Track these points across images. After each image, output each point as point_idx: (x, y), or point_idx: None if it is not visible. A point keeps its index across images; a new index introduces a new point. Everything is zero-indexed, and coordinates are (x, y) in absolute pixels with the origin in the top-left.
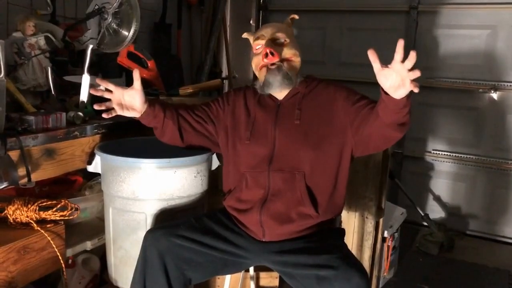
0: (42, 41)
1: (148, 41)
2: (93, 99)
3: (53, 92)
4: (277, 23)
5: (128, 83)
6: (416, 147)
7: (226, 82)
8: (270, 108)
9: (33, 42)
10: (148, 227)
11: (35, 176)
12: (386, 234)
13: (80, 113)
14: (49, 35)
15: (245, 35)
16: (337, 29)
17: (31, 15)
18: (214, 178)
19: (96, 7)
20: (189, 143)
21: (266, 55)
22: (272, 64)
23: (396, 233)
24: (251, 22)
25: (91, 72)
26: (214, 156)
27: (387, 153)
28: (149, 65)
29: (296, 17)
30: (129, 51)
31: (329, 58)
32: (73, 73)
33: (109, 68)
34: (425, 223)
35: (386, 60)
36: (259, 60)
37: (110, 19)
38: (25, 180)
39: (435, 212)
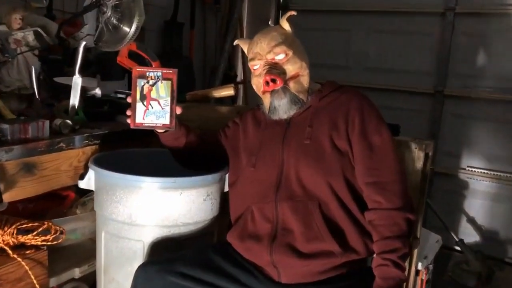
0: (30, 37)
1: (157, 40)
2: (85, 104)
3: (37, 96)
4: (273, 30)
5: (130, 86)
6: (449, 163)
7: (241, 87)
8: (279, 126)
9: (19, 37)
10: (146, 258)
11: (10, 196)
12: (420, 266)
13: (68, 121)
14: (39, 29)
15: (237, 42)
16: (363, 31)
17: (18, 7)
18: (226, 200)
19: None
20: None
21: (267, 83)
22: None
23: (430, 265)
24: (269, 22)
25: (89, 73)
26: (227, 176)
27: (426, 171)
28: (154, 66)
29: (294, 13)
30: (131, 50)
31: (354, 63)
32: (69, 73)
33: (110, 69)
34: (458, 248)
35: (416, 67)
36: (260, 84)
37: (110, 13)
38: None
39: (469, 235)
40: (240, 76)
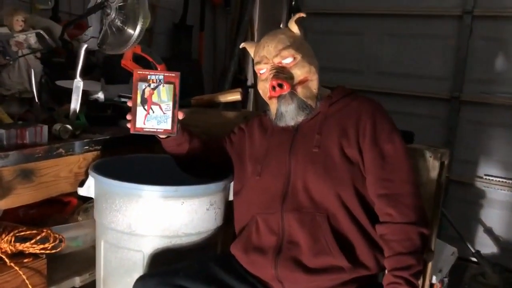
0: (32, 39)
1: (166, 43)
2: (87, 108)
3: (36, 100)
4: (281, 33)
5: None
6: (465, 171)
7: (251, 91)
8: (286, 133)
9: (21, 39)
10: (146, 269)
11: (7, 203)
12: (434, 280)
13: (68, 126)
14: (41, 32)
15: (243, 45)
16: (377, 34)
17: (20, 8)
18: (230, 209)
19: (99, 0)
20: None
21: (274, 88)
22: None
23: (446, 278)
24: (281, 25)
25: (93, 76)
26: (232, 185)
27: (442, 181)
28: (159, 70)
29: (303, 15)
30: (135, 53)
31: (367, 67)
32: (73, 77)
33: (116, 73)
34: (474, 259)
35: (432, 71)
36: (266, 89)
37: (114, 15)
38: None
39: (486, 246)
40: (250, 80)
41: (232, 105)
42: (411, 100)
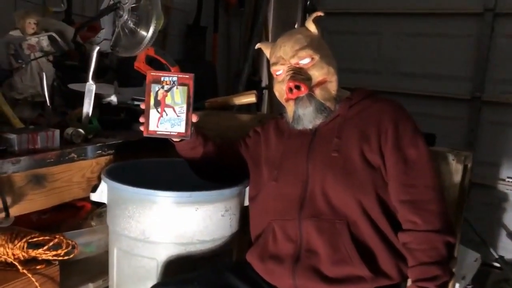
0: (45, 42)
1: (179, 45)
2: (100, 112)
3: (48, 103)
4: (297, 32)
5: None
6: (487, 174)
7: (265, 93)
8: (304, 136)
9: (33, 42)
10: (160, 277)
11: (18, 209)
12: (457, 287)
13: (80, 130)
14: (54, 34)
15: (259, 46)
16: (395, 34)
17: (32, 11)
18: (246, 215)
19: (111, 2)
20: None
21: (291, 90)
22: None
23: (469, 286)
24: (296, 25)
25: (106, 79)
26: (247, 190)
27: (465, 185)
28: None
29: (321, 14)
30: (149, 55)
31: (384, 68)
32: (86, 80)
33: (129, 75)
34: (497, 264)
35: (452, 71)
36: (283, 91)
37: (126, 17)
38: (2, 215)
39: (509, 251)
40: (264, 81)
41: (246, 107)
42: (430, 101)
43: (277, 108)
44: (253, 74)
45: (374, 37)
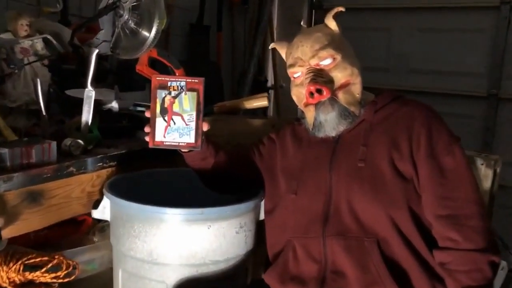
0: (39, 45)
1: (182, 45)
2: (100, 119)
3: (43, 112)
4: (317, 30)
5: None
6: (506, 175)
7: (271, 92)
8: (326, 145)
9: (27, 45)
10: None
11: (12, 231)
12: None
13: (79, 141)
14: (49, 36)
15: (273, 46)
16: (405, 30)
17: (24, 12)
18: (261, 230)
19: (110, 1)
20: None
21: (311, 95)
22: None
23: None
24: (302, 23)
25: (106, 84)
26: (263, 203)
27: (494, 192)
28: (177, 75)
29: (342, 9)
30: (151, 57)
31: (394, 64)
32: (85, 85)
33: (131, 79)
34: None
35: (467, 68)
36: (302, 95)
37: (127, 16)
38: None
39: None
40: (270, 81)
41: (252, 110)
42: (444, 98)
43: (284, 111)
44: (259, 74)
45: (383, 33)
